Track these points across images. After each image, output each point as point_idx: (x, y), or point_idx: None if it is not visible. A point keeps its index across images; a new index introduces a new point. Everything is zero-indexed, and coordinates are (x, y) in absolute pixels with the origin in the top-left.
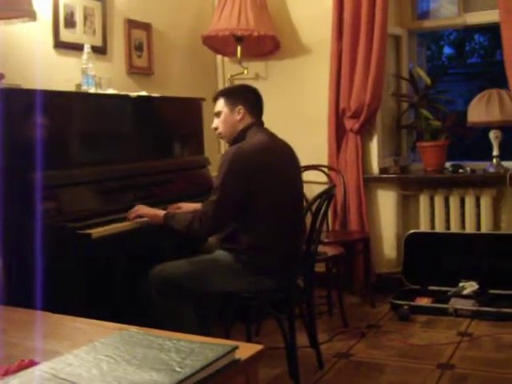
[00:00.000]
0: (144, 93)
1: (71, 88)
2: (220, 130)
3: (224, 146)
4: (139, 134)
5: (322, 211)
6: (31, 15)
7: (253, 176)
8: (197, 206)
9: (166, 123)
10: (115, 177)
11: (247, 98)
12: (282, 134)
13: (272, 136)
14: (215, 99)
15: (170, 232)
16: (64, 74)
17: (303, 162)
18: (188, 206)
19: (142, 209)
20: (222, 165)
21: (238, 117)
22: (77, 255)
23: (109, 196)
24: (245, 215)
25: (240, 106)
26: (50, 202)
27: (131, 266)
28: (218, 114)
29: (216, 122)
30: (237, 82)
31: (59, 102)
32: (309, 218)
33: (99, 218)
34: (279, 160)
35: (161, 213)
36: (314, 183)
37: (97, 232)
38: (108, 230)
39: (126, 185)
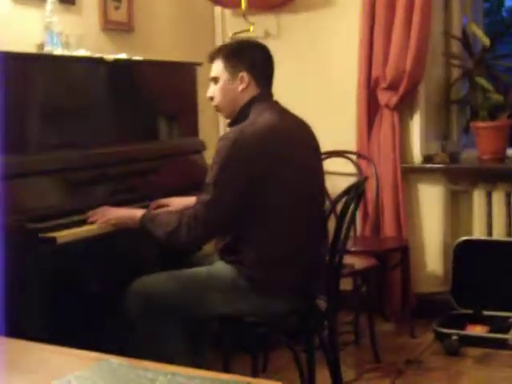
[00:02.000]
0: (123, 55)
1: (31, 49)
2: (217, 101)
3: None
4: (116, 110)
5: (350, 212)
6: None
7: (259, 168)
8: (190, 200)
9: (149, 95)
10: (85, 165)
11: (254, 61)
12: (296, 110)
13: (284, 113)
14: (212, 59)
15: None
16: (22, 31)
17: (324, 147)
18: (180, 202)
19: (108, 211)
20: (218, 153)
21: (241, 86)
22: (38, 265)
23: (77, 190)
24: (249, 219)
25: (244, 73)
26: (2, 196)
27: (107, 280)
28: (214, 80)
29: (212, 90)
30: None
31: (14, 67)
32: (332, 221)
33: (65, 218)
34: (294, 146)
35: (136, 214)
36: (338, 175)
37: (63, 236)
38: (77, 234)
39: (99, 175)
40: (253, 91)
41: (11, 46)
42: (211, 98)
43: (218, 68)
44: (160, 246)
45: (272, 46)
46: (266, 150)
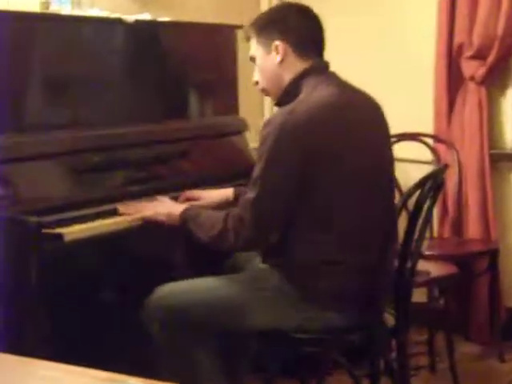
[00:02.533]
0: (147, 16)
1: (34, 7)
2: (260, 84)
3: (270, 100)
4: (137, 81)
5: (425, 208)
6: None
7: (314, 156)
8: (226, 193)
9: (178, 64)
10: (98, 147)
11: (287, 25)
12: (359, 84)
13: (344, 87)
14: (247, 37)
15: (185, 234)
16: None
17: (394, 129)
18: (211, 195)
19: (143, 205)
20: (264, 142)
21: (278, 58)
22: (40, 267)
23: (89, 177)
24: (301, 216)
25: (277, 42)
26: None
27: (125, 286)
28: (254, 61)
29: (255, 74)
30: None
31: (13, 30)
32: (403, 219)
33: (75, 211)
34: (357, 127)
35: (176, 210)
36: (410, 162)
37: (71, 232)
38: (88, 230)
39: (116, 160)
40: (298, 63)
41: (10, 3)
42: (257, 83)
43: (253, 45)
44: (195, 244)
45: (327, 5)
46: (322, 132)
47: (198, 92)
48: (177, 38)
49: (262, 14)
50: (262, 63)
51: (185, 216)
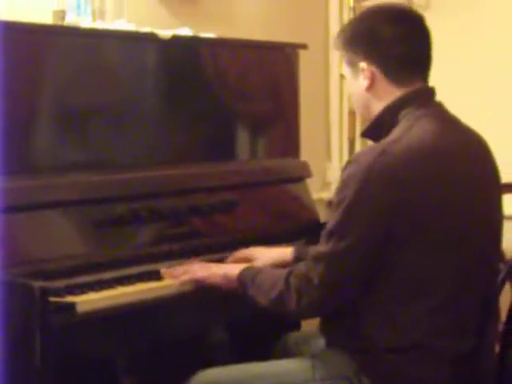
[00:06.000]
0: (186, 31)
1: (46, 18)
2: (354, 106)
3: (338, 139)
4: (172, 113)
5: None
6: None
7: (404, 212)
8: (283, 254)
9: (224, 92)
10: (122, 195)
11: (374, 41)
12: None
13: (450, 125)
14: (336, 48)
15: (230, 305)
16: None
17: (504, 176)
18: (266, 256)
19: (193, 266)
20: (346, 184)
21: (365, 82)
22: (46, 345)
23: (110, 232)
24: (382, 283)
25: (362, 64)
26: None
27: (148, 372)
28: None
29: None
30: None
31: (19, 46)
32: (506, 292)
33: (90, 275)
34: (462, 180)
35: (232, 271)
36: None
37: (86, 301)
38: (107, 299)
39: (143, 211)
40: (391, 90)
41: (18, 12)
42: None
43: (342, 61)
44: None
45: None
46: (417, 185)
47: (248, 128)
48: (223, 58)
49: (352, 21)
50: (349, 86)
51: (243, 277)
